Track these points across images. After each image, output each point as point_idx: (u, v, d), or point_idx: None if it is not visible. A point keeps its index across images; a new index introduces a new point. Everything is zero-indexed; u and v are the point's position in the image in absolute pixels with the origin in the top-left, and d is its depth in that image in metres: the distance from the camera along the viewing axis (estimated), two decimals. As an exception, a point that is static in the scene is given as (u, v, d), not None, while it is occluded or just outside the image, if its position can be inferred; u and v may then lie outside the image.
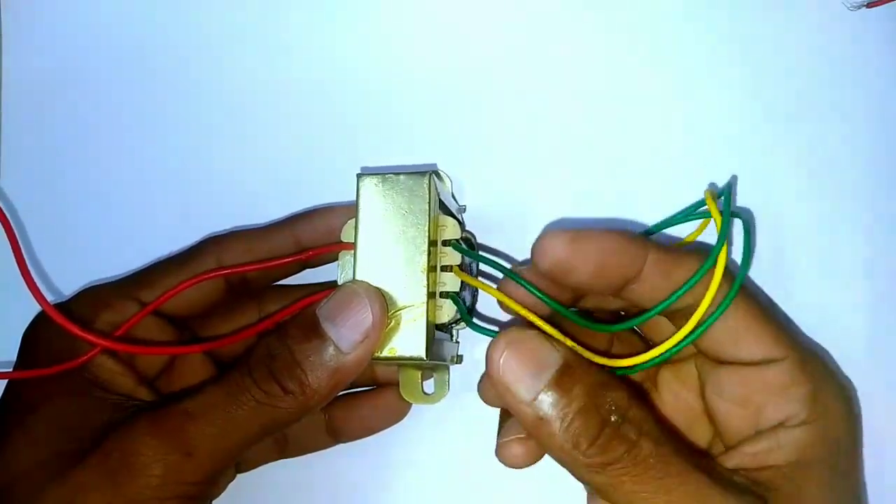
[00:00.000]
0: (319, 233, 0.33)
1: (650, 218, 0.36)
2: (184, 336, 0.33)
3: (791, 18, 0.36)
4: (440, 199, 0.31)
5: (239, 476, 0.34)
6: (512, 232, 0.36)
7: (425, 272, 0.29)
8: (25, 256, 0.31)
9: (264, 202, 0.37)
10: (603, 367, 0.28)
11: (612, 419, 0.26)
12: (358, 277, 0.29)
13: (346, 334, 0.27)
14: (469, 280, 0.30)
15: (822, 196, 0.36)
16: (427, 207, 0.29)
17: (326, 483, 0.35)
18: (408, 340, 0.28)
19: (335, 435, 0.34)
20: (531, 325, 0.28)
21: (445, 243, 0.30)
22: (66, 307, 0.31)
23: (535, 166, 0.37)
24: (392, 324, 0.28)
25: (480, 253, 0.35)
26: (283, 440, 0.34)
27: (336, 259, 0.31)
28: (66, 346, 0.30)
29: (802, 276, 0.35)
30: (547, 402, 0.26)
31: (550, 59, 0.37)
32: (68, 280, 0.37)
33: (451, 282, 0.30)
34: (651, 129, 0.37)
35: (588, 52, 0.37)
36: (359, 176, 0.30)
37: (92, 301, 0.31)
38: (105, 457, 0.27)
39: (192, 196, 0.38)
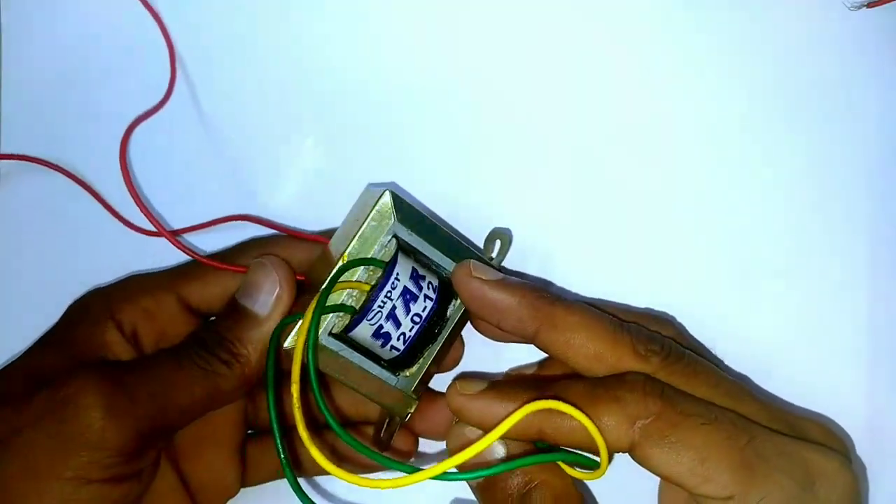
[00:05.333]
0: None
1: (647, 219, 0.36)
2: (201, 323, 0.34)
3: (791, 18, 0.36)
4: (413, 231, 0.31)
5: (242, 490, 0.34)
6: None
7: (329, 276, 0.30)
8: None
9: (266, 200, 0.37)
10: None
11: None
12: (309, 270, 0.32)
13: (260, 299, 0.30)
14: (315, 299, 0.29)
15: (822, 196, 0.36)
16: (365, 221, 0.30)
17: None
18: (293, 332, 0.30)
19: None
20: None
21: (365, 261, 0.31)
22: (107, 291, 0.33)
23: (533, 169, 0.37)
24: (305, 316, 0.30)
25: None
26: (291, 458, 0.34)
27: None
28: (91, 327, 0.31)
29: (802, 275, 0.36)
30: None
31: (547, 58, 0.37)
32: (68, 279, 0.36)
33: (339, 296, 0.31)
34: (648, 130, 0.36)
35: (586, 53, 0.37)
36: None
37: (135, 286, 0.33)
38: (53, 394, 0.28)
39: (191, 196, 0.37)
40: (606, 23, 0.37)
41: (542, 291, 0.30)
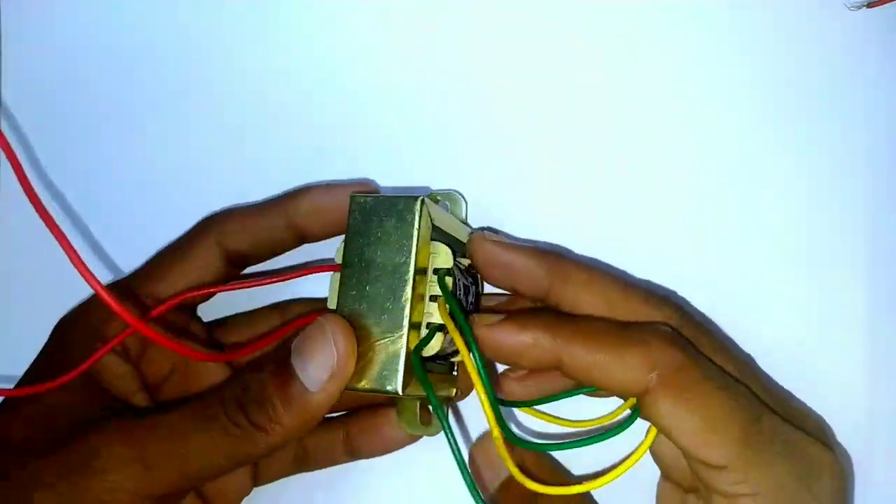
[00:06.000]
0: (307, 211, 0.33)
1: (649, 220, 0.36)
2: (190, 320, 0.34)
3: (791, 18, 0.36)
4: (436, 225, 0.30)
5: (255, 490, 0.35)
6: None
7: (408, 301, 0.28)
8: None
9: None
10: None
11: None
12: (338, 304, 0.29)
13: (312, 372, 0.27)
14: (444, 317, 0.28)
15: (821, 194, 0.36)
16: (415, 233, 0.28)
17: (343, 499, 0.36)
18: (383, 373, 0.27)
19: (352, 453, 0.35)
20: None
21: (436, 272, 0.29)
22: (87, 307, 0.32)
23: (535, 169, 0.37)
24: (370, 355, 0.28)
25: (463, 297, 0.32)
26: (301, 453, 0.35)
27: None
28: (85, 343, 0.31)
29: (802, 276, 0.36)
30: None
31: (547, 62, 0.37)
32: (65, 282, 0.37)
33: (438, 312, 0.29)
34: (649, 129, 0.37)
35: (586, 54, 0.37)
36: (352, 196, 0.30)
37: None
38: (68, 453, 0.28)
39: (189, 196, 0.38)
40: (605, 22, 0.37)
41: (552, 252, 0.31)
